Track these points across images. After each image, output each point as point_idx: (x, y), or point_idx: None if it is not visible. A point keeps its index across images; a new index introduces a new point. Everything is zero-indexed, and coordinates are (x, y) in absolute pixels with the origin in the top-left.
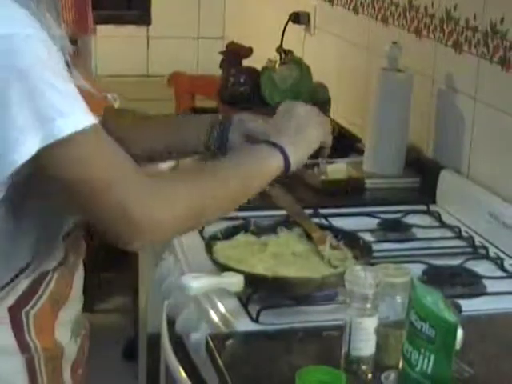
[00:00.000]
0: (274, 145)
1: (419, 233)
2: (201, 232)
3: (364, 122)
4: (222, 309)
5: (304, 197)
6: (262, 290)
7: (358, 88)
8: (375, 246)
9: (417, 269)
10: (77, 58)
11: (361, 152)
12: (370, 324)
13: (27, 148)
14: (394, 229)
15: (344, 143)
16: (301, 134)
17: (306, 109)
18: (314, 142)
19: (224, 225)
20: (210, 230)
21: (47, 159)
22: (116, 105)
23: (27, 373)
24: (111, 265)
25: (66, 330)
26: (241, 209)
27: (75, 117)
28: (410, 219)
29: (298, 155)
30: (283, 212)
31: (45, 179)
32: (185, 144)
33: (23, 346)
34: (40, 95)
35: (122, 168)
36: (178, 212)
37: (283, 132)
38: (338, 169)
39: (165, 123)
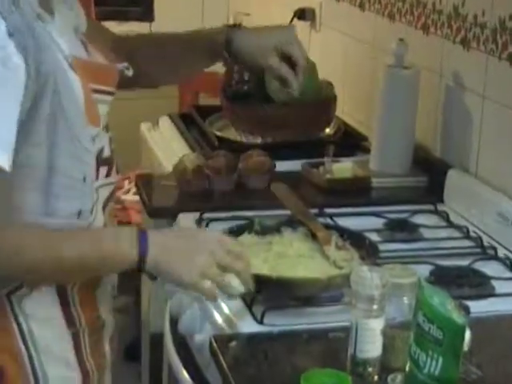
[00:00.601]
0: (140, 231)
1: (426, 233)
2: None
3: (370, 120)
4: (225, 309)
5: (309, 196)
6: (267, 291)
7: (364, 85)
8: (382, 247)
9: (424, 269)
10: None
11: (367, 150)
12: (376, 325)
13: None
14: (400, 229)
15: (350, 141)
16: (185, 256)
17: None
18: (196, 268)
19: (228, 225)
20: (214, 229)
21: None
22: (130, 73)
23: (73, 344)
24: None
25: (107, 303)
26: (244, 208)
27: None
28: (417, 219)
29: (165, 260)
30: (288, 211)
31: None
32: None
33: (69, 320)
34: None
35: None
36: None
37: (167, 238)
38: (343, 167)
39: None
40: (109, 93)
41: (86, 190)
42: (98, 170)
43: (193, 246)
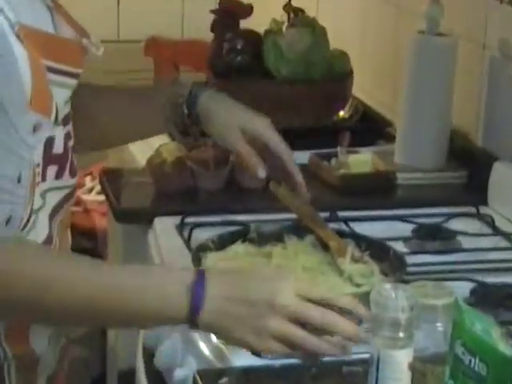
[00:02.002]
0: (199, 273)
1: (466, 242)
2: (187, 240)
3: (395, 101)
4: (213, 338)
5: (318, 196)
6: None
7: (388, 57)
8: (409, 259)
9: (463, 288)
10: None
11: (391, 139)
12: (402, 358)
13: None
14: (433, 237)
15: (369, 127)
16: (251, 318)
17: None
18: (256, 348)
19: (216, 231)
20: (199, 237)
21: None
22: (99, 52)
23: None
24: None
25: (43, 336)
26: (237, 211)
27: None
28: (454, 224)
29: (220, 332)
30: (292, 215)
31: None
32: (144, 125)
33: None
34: None
35: None
36: None
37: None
38: (361, 160)
39: (119, 99)
40: (71, 74)
41: (19, 192)
42: (44, 169)
43: (262, 312)
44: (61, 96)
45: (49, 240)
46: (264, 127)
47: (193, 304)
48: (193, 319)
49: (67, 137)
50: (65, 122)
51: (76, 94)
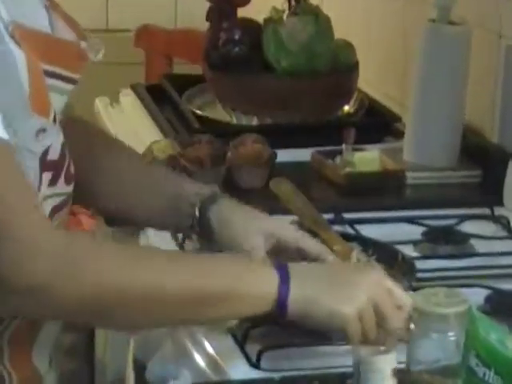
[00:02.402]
0: (280, 268)
1: (480, 246)
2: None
3: (403, 94)
4: (209, 349)
5: (322, 196)
6: (264, 324)
7: (396, 47)
8: (419, 264)
9: (477, 295)
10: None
11: (399, 135)
12: (384, 364)
13: None
14: (445, 240)
15: (376, 123)
16: (342, 287)
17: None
18: (348, 313)
19: None
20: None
21: None
22: (98, 56)
23: None
24: None
25: (44, 354)
26: None
27: None
28: (468, 227)
29: (309, 303)
30: (293, 217)
31: None
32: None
33: None
34: None
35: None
36: (81, 294)
37: (313, 267)
38: (368, 158)
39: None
40: (68, 79)
41: None
42: (40, 176)
43: (349, 281)
44: (58, 102)
45: None
46: (294, 232)
47: (280, 289)
48: (279, 307)
49: (64, 143)
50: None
51: (87, 142)
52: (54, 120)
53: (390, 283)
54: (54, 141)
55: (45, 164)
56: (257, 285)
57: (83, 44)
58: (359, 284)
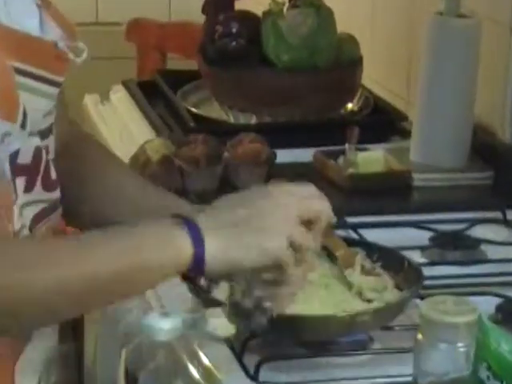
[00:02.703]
0: (186, 221)
1: (491, 251)
2: None
3: (410, 91)
4: (205, 360)
5: None
6: (263, 334)
7: (402, 41)
8: (427, 271)
9: (488, 304)
10: None
11: (406, 134)
12: None
13: None
14: (454, 246)
15: (381, 121)
16: (251, 225)
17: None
18: (269, 248)
19: None
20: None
21: None
22: (80, 59)
23: None
24: None
25: (31, 377)
26: None
27: None
28: (478, 232)
29: (225, 254)
30: None
31: None
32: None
33: None
34: None
35: None
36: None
37: (219, 209)
38: (372, 158)
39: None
40: (50, 82)
41: None
42: (13, 181)
43: (261, 213)
44: (38, 105)
45: None
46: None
47: (195, 251)
48: (195, 266)
49: (45, 150)
50: (44, 135)
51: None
52: (24, 123)
53: (296, 198)
54: (23, 145)
55: (16, 168)
56: (170, 256)
57: (61, 44)
58: (272, 213)
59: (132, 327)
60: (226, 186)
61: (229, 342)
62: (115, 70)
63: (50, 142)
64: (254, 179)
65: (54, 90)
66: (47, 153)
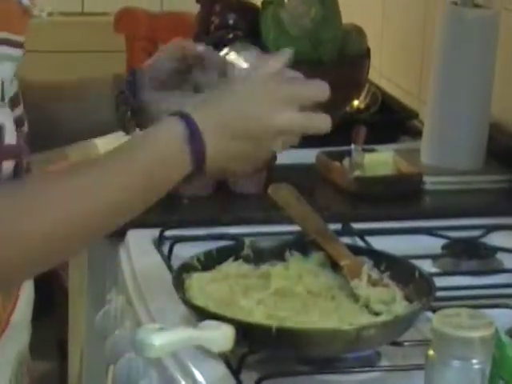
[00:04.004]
0: (183, 117)
1: (508, 260)
2: (167, 258)
3: (422, 88)
4: (199, 378)
5: (328, 204)
6: (263, 349)
7: (413, 34)
8: (439, 281)
9: (505, 317)
10: None
11: (417, 134)
12: None
13: None
14: (468, 254)
15: (390, 120)
16: (256, 109)
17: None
18: (260, 158)
19: (203, 247)
20: (182, 254)
21: None
22: (45, 14)
23: None
24: None
25: (3, 375)
26: (229, 223)
27: None
28: (495, 239)
29: (222, 151)
30: (295, 227)
31: None
32: (91, 124)
33: None
34: None
35: None
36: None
37: (210, 100)
38: (381, 160)
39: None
40: (13, 43)
41: None
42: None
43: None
44: (5, 71)
45: None
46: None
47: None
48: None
49: (19, 122)
50: (13, 104)
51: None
52: (2, 96)
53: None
54: (6, 120)
55: (2, 149)
56: (172, 163)
57: (25, 0)
58: (264, 97)
59: (120, 343)
60: (222, 190)
61: (225, 357)
62: (103, 64)
63: (22, 112)
64: (253, 182)
65: (18, 52)
66: (22, 124)
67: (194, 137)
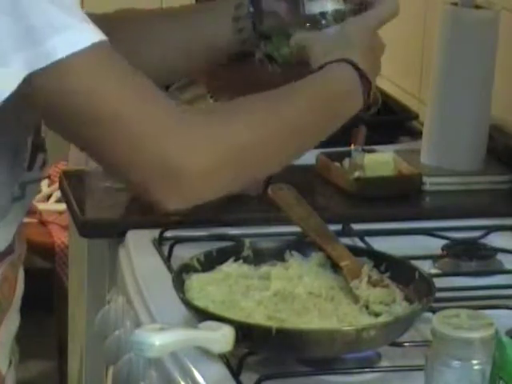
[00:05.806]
0: (348, 63)
1: (508, 261)
2: (167, 259)
3: (422, 88)
4: (199, 378)
5: (328, 204)
6: (263, 350)
7: (414, 34)
8: (439, 282)
9: (505, 318)
10: None
11: (417, 135)
12: None
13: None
14: (468, 255)
15: (390, 121)
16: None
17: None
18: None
19: (203, 248)
20: (182, 255)
21: (38, 87)
22: None
23: None
24: (24, 312)
25: (5, 352)
26: (228, 223)
27: (74, 33)
28: (495, 240)
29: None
30: (295, 228)
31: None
32: (208, 42)
33: None
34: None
35: (145, 100)
36: (228, 157)
37: (353, 44)
38: (381, 161)
39: (176, 20)
40: None
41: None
42: (32, 158)
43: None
44: None
45: (10, 249)
46: None
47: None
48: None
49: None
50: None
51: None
52: None
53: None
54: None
55: (37, 144)
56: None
57: None
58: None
59: (120, 343)
60: None
61: (225, 358)
62: None
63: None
64: (252, 184)
65: None
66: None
67: (363, 80)
